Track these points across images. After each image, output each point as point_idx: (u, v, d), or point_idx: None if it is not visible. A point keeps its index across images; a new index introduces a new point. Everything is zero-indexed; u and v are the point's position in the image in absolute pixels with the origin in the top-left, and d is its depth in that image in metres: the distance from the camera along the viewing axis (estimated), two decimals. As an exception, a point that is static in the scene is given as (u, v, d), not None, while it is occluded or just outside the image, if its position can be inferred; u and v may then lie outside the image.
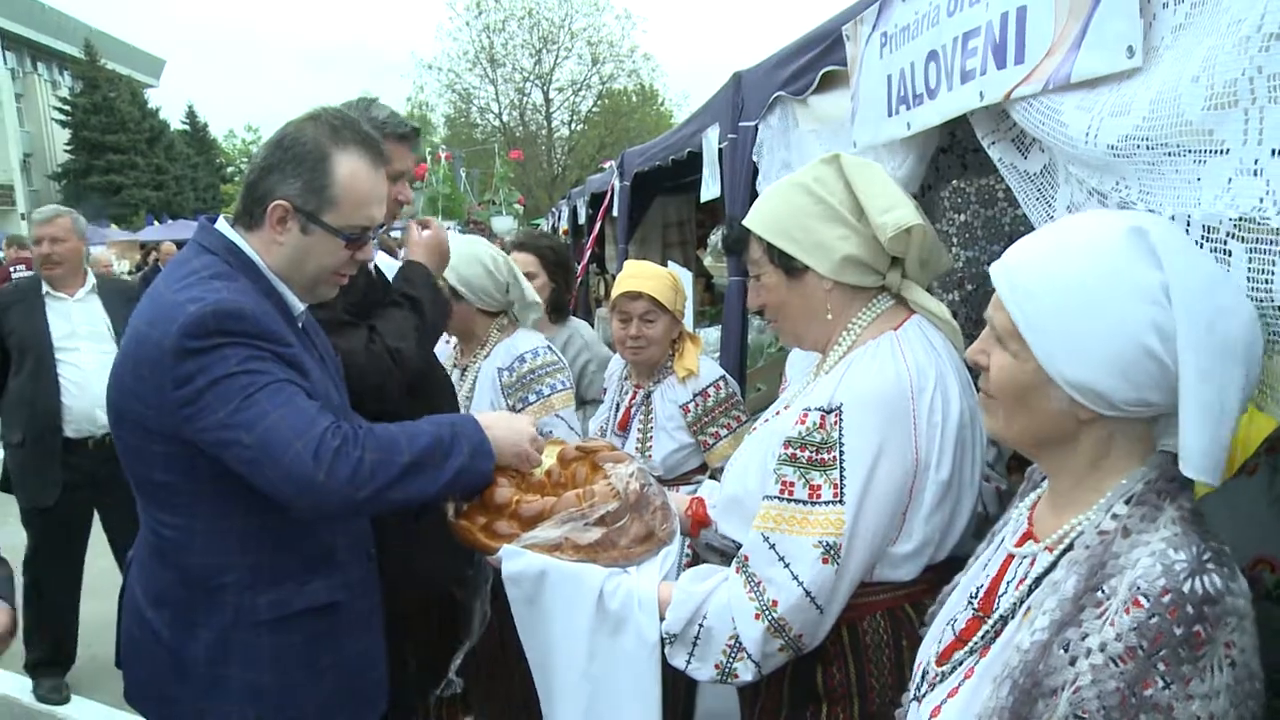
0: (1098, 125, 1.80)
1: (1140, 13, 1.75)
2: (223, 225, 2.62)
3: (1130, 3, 1.76)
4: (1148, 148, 1.68)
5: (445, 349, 4.57)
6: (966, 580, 1.94)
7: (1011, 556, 1.80)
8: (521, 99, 57.12)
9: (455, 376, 4.30)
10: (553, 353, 4.22)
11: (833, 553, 2.25)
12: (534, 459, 2.82)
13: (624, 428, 4.44)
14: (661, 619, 2.46)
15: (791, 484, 2.31)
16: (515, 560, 2.56)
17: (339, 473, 2.36)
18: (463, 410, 4.10)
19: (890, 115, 2.90)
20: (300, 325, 2.68)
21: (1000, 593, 1.77)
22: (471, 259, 4.20)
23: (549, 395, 4.11)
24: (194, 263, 2.53)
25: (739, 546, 2.48)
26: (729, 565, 2.46)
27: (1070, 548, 1.63)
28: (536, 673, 2.61)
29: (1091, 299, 1.52)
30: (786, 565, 2.28)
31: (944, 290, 4.16)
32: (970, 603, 1.86)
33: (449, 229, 11.87)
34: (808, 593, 2.27)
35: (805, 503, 2.29)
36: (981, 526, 2.29)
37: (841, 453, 2.26)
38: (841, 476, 2.25)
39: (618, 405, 4.53)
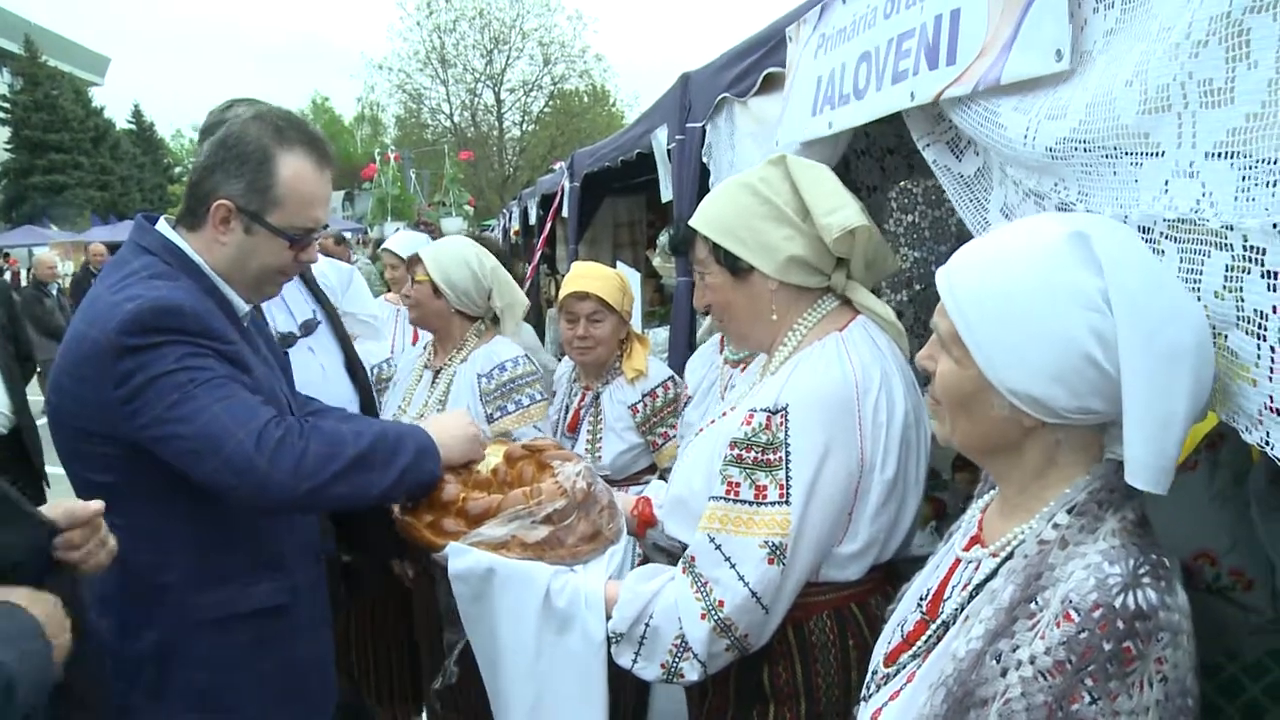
0: (1035, 127, 1.81)
1: (1070, 18, 1.76)
2: (162, 225, 2.59)
3: (1060, 7, 1.77)
4: (1085, 150, 1.68)
5: (414, 351, 4.56)
6: (919, 581, 1.95)
7: (959, 561, 1.80)
8: (473, 99, 56.88)
9: (426, 379, 4.28)
10: (531, 362, 4.18)
11: (778, 553, 2.26)
12: (481, 445, 2.84)
13: (573, 429, 4.44)
14: (608, 618, 2.46)
15: (737, 484, 2.31)
16: (461, 558, 2.55)
17: (282, 463, 2.34)
18: (436, 410, 4.09)
19: (814, 114, 2.91)
20: (245, 325, 2.66)
21: (946, 596, 1.78)
22: (459, 260, 4.17)
23: (528, 405, 4.08)
24: (133, 264, 2.49)
25: (685, 547, 2.48)
26: (676, 565, 2.45)
27: (1011, 555, 1.63)
28: (485, 671, 2.60)
29: (1030, 305, 1.51)
30: (732, 566, 2.29)
31: (892, 290, 4.20)
32: (919, 605, 1.86)
33: (398, 229, 11.77)
34: (754, 593, 2.27)
35: (751, 503, 2.29)
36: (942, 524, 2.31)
37: (787, 453, 2.26)
38: (788, 477, 2.26)
39: (567, 406, 4.53)
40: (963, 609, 1.67)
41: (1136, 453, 1.44)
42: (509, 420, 4.03)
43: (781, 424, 2.28)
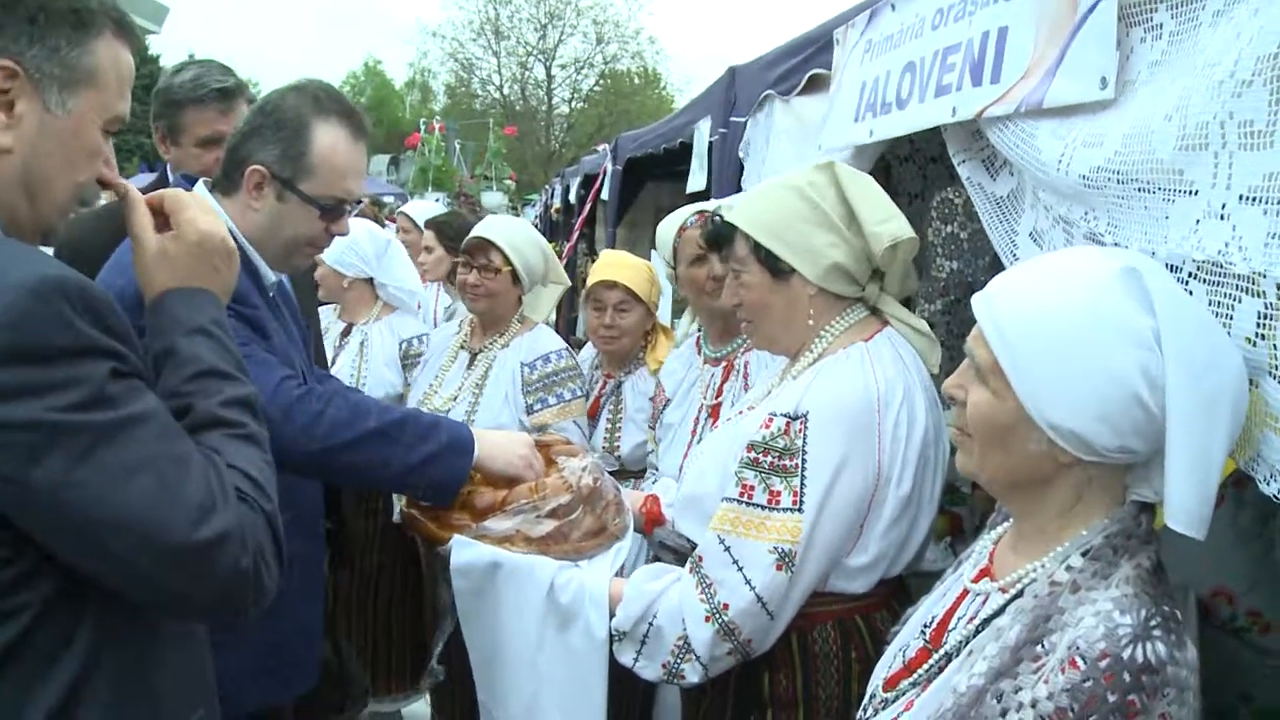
0: (1070, 154, 1.78)
1: (1118, 45, 1.72)
2: (200, 188, 2.58)
3: (1108, 34, 1.74)
4: (1118, 181, 1.65)
5: (448, 328, 4.49)
6: (925, 606, 1.91)
7: (966, 591, 1.77)
8: (523, 73, 56.85)
9: (462, 360, 4.23)
10: (572, 357, 4.15)
11: (787, 560, 2.24)
12: (535, 468, 2.75)
13: (593, 416, 4.40)
14: (612, 615, 2.45)
15: (751, 487, 2.30)
16: (465, 551, 2.55)
17: (295, 419, 2.34)
18: (472, 394, 4.04)
19: (857, 120, 2.88)
20: (270, 295, 2.65)
21: (950, 627, 1.75)
22: (533, 244, 4.11)
23: (569, 400, 4.03)
24: None
25: (695, 546, 2.46)
26: (683, 564, 2.44)
27: (1021, 594, 1.60)
28: (478, 667, 2.61)
29: (1081, 339, 1.47)
30: (740, 569, 2.27)
31: (926, 300, 4.15)
32: (923, 632, 1.83)
33: (436, 201, 11.79)
34: (759, 598, 2.26)
35: (764, 507, 2.28)
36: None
37: (804, 460, 2.25)
38: (802, 484, 2.25)
39: (588, 394, 4.50)
40: (967, 642, 1.64)
41: (1179, 497, 1.42)
42: (549, 413, 3.97)
43: (800, 430, 2.26)
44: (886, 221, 2.36)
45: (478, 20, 55.24)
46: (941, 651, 1.70)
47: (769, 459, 2.28)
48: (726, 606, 2.28)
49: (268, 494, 1.69)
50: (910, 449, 2.31)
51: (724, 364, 3.59)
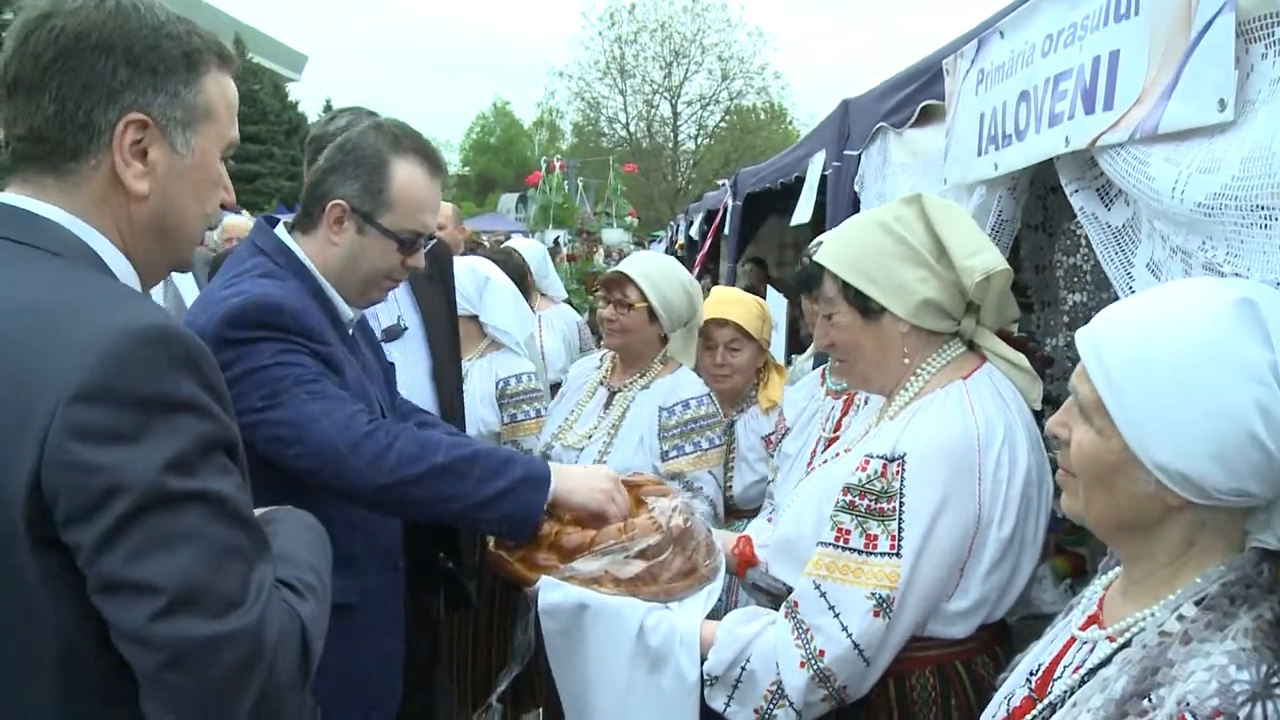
0: (1185, 180, 1.70)
1: (1236, 64, 1.63)
2: (280, 229, 2.68)
3: (1225, 53, 1.64)
4: (1236, 208, 1.57)
5: (588, 362, 4.41)
6: (1033, 654, 1.84)
7: (1074, 639, 1.70)
8: (650, 110, 57.60)
9: (600, 396, 4.10)
10: (713, 403, 3.94)
11: (885, 606, 2.19)
12: (617, 502, 2.69)
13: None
14: (703, 659, 2.40)
15: (848, 532, 2.25)
16: (553, 592, 2.52)
17: (364, 452, 2.37)
18: (607, 435, 3.92)
19: (980, 154, 2.80)
20: (349, 331, 2.72)
21: (1056, 676, 1.67)
22: (675, 282, 3.94)
23: (707, 450, 3.83)
24: (246, 262, 2.58)
25: (790, 589, 2.41)
26: (775, 607, 2.40)
27: (1129, 643, 1.52)
28: (569, 709, 2.58)
29: (1190, 376, 1.40)
30: (836, 615, 2.23)
31: (1049, 335, 4.03)
32: (1028, 680, 1.76)
33: (557, 238, 11.90)
34: (856, 645, 2.21)
35: (860, 552, 2.23)
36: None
37: (901, 504, 2.20)
38: (900, 528, 2.20)
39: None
40: (1071, 693, 1.57)
41: None
42: (685, 462, 3.82)
43: (898, 473, 2.21)
44: (977, 254, 2.29)
45: (603, 60, 56.30)
46: (1046, 702, 1.63)
47: (865, 502, 2.24)
48: (822, 653, 2.23)
49: (316, 591, 1.70)
50: (1012, 490, 2.24)
51: (845, 397, 3.51)
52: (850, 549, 2.24)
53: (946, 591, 2.26)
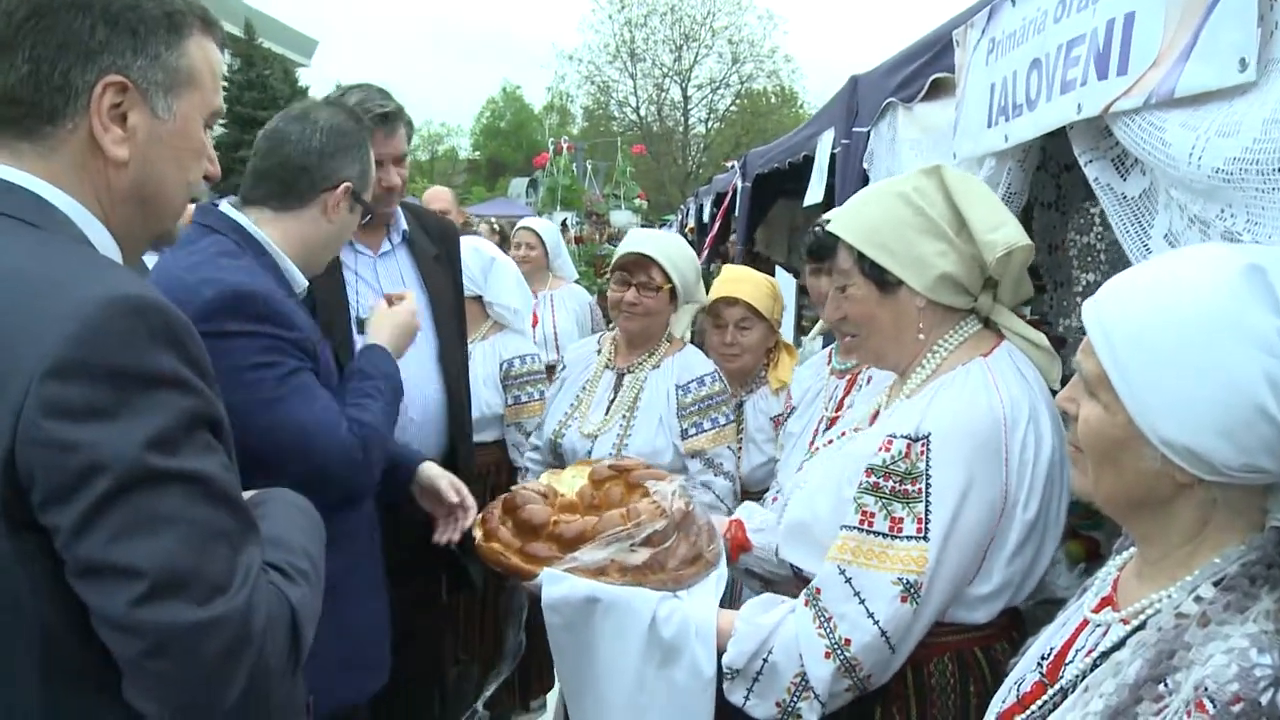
0: (1203, 145, 1.64)
1: (1259, 21, 1.56)
2: (226, 207, 2.69)
3: (1248, 10, 1.58)
4: (1258, 172, 1.51)
5: (585, 345, 4.33)
6: (1044, 637, 1.79)
7: (1086, 622, 1.64)
8: (660, 94, 57.45)
9: (607, 380, 4.01)
10: (723, 380, 3.92)
11: (912, 591, 2.14)
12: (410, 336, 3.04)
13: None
14: (719, 650, 2.33)
15: (872, 514, 2.19)
16: (557, 584, 2.42)
17: (371, 452, 2.56)
18: (623, 418, 3.88)
19: (990, 126, 2.73)
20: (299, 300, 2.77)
21: (1068, 660, 1.63)
22: (689, 260, 3.91)
23: (724, 425, 3.83)
24: (200, 242, 2.55)
25: (797, 573, 2.38)
26: (768, 590, 2.33)
27: (1143, 626, 1.46)
28: (573, 706, 2.50)
29: (1195, 347, 1.35)
30: (862, 601, 2.17)
31: (1063, 315, 3.97)
32: (1040, 664, 1.71)
33: (564, 220, 11.84)
34: (883, 632, 2.15)
35: (885, 535, 2.17)
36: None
37: (928, 485, 2.14)
38: (927, 510, 2.14)
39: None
40: (1083, 677, 1.51)
41: None
42: (704, 439, 3.79)
43: (922, 453, 2.15)
44: (999, 228, 2.23)
45: (613, 43, 56.12)
46: (1057, 686, 1.58)
47: (890, 484, 2.17)
48: (848, 642, 2.17)
49: (308, 575, 1.65)
50: (1037, 471, 2.18)
51: (848, 377, 3.45)
52: (875, 532, 2.18)
53: (970, 575, 2.20)
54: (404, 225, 3.73)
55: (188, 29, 1.63)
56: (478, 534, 2.64)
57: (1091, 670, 1.50)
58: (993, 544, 2.19)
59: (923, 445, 2.15)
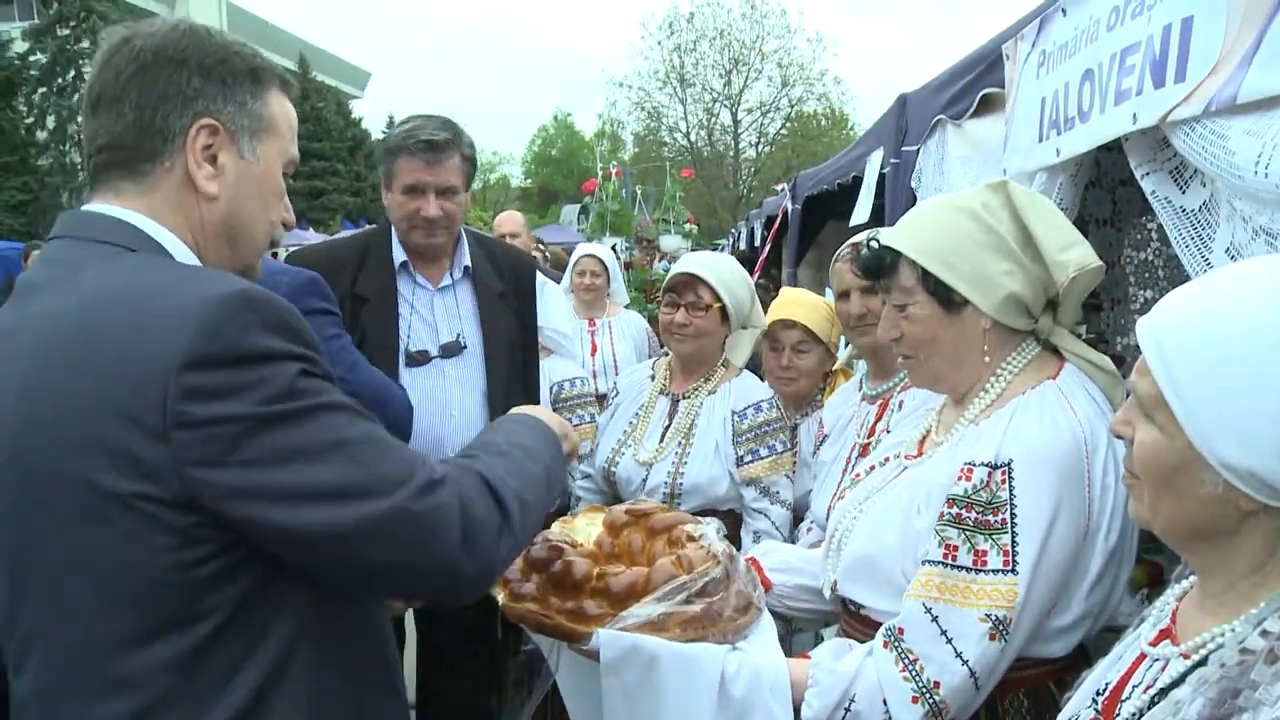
0: (1270, 153, 1.58)
1: (1328, 22, 1.49)
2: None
3: (1315, 10, 1.50)
4: (1329, 181, 1.42)
5: (639, 370, 4.27)
6: (1099, 671, 1.70)
7: (1144, 656, 1.56)
8: (710, 119, 57.68)
9: (662, 406, 3.96)
10: (779, 406, 3.88)
11: (1001, 628, 2.03)
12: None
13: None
14: (795, 703, 2.20)
15: (955, 547, 2.09)
16: (616, 645, 2.22)
17: None
18: (679, 444, 3.77)
19: (1041, 140, 2.66)
20: None
21: (1124, 696, 1.54)
22: (741, 279, 3.85)
23: (781, 453, 3.76)
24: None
25: (856, 610, 2.29)
26: (788, 629, 2.21)
27: (1205, 662, 1.38)
28: None
29: (1256, 363, 1.28)
30: (949, 641, 2.06)
31: (1120, 335, 3.88)
32: (1094, 700, 1.62)
33: (613, 246, 11.83)
34: (972, 673, 2.05)
35: (969, 570, 2.07)
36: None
37: (1013, 515, 2.05)
38: (1013, 542, 2.04)
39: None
40: (1141, 715, 1.43)
41: None
42: (760, 467, 3.71)
43: (1004, 481, 2.06)
44: (1070, 248, 2.14)
45: (663, 69, 56.44)
46: None
47: (972, 515, 2.07)
48: (937, 685, 2.06)
49: (504, 452, 1.90)
50: (1119, 497, 2.08)
51: (880, 402, 3.36)
52: (959, 566, 2.08)
53: (1052, 608, 2.11)
54: (467, 259, 3.68)
55: (269, 83, 1.84)
56: (500, 595, 2.41)
57: (1149, 708, 1.43)
58: (1074, 574, 2.10)
59: (1004, 473, 2.06)
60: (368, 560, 1.62)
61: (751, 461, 3.71)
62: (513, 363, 3.76)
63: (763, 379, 4.00)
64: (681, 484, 3.72)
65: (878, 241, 2.33)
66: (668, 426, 3.85)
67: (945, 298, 2.22)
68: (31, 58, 43.24)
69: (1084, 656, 2.23)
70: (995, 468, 2.07)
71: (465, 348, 3.62)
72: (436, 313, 3.60)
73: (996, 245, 2.18)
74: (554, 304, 5.11)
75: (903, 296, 2.29)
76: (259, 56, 1.86)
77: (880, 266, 2.31)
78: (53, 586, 1.61)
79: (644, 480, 3.73)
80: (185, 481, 1.51)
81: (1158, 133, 2.00)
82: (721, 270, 3.79)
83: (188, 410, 1.50)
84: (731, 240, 17.72)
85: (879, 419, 3.30)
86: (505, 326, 3.73)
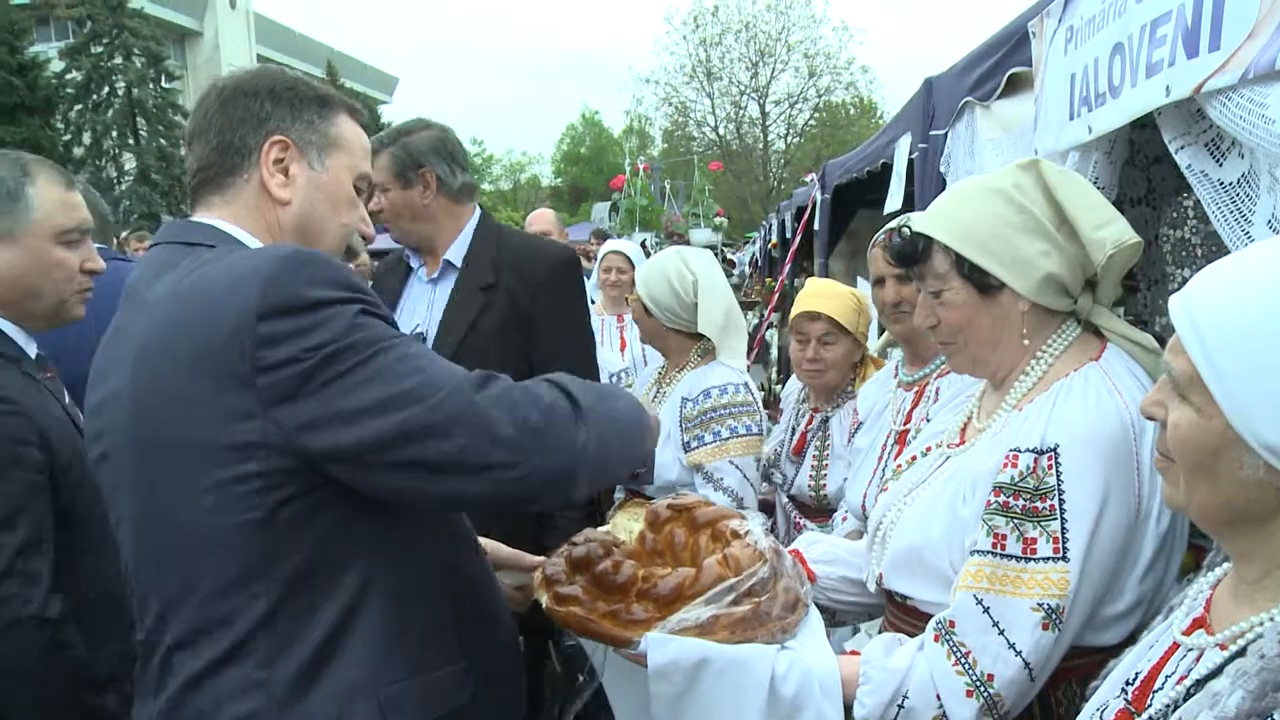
0: (1313, 121, 1.49)
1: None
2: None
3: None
4: (1376, 148, 1.36)
5: (656, 364, 4.45)
6: (1128, 660, 1.65)
7: (1176, 645, 1.51)
8: (738, 112, 57.60)
9: (653, 394, 4.18)
10: (747, 391, 3.91)
11: (1054, 617, 1.99)
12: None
13: (798, 453, 4.20)
14: (847, 701, 2.16)
15: (1004, 536, 2.04)
16: (664, 649, 2.16)
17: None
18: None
19: (1072, 118, 2.60)
20: None
21: (1156, 687, 1.49)
22: (659, 274, 3.99)
23: (726, 439, 3.80)
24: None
25: (902, 602, 2.26)
26: (830, 622, 2.21)
27: (1243, 652, 1.33)
28: None
29: None
30: (1001, 632, 2.02)
31: (1158, 314, 3.82)
32: (1124, 690, 1.57)
33: (643, 242, 11.86)
34: (1026, 664, 2.00)
35: (1019, 559, 2.02)
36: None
37: (1061, 501, 2.00)
38: (1063, 529, 1.99)
39: (794, 429, 4.29)
40: (1175, 707, 1.39)
41: None
42: (703, 453, 3.77)
43: (1050, 466, 2.01)
44: (1106, 225, 2.08)
45: (689, 64, 56.29)
46: (1145, 716, 1.45)
47: (1020, 502, 2.03)
48: (991, 677, 2.02)
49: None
50: None
51: (916, 389, 3.32)
52: (1008, 555, 2.03)
53: (1104, 595, 2.06)
54: (462, 253, 3.74)
55: (336, 107, 2.11)
56: (543, 597, 2.36)
57: (1185, 700, 1.38)
58: (1126, 560, 2.05)
59: (1050, 458, 2.01)
60: (437, 456, 1.75)
61: (696, 447, 3.82)
62: (486, 355, 3.53)
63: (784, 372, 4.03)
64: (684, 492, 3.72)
65: (909, 228, 2.28)
66: None
67: (981, 282, 2.18)
68: (67, 76, 43.88)
69: (1132, 644, 2.19)
70: (1041, 453, 2.03)
71: (423, 338, 3.68)
72: (420, 304, 3.77)
73: (1031, 226, 2.13)
74: None
75: (937, 283, 2.24)
76: (329, 87, 2.14)
77: (913, 253, 2.25)
78: (157, 537, 1.86)
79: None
80: (269, 422, 1.71)
81: (1192, 104, 1.95)
82: (647, 268, 4.13)
83: (264, 355, 1.70)
84: (763, 232, 17.69)
85: (915, 405, 3.27)
86: (486, 320, 3.68)
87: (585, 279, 6.06)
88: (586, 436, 1.89)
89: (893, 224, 3.20)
